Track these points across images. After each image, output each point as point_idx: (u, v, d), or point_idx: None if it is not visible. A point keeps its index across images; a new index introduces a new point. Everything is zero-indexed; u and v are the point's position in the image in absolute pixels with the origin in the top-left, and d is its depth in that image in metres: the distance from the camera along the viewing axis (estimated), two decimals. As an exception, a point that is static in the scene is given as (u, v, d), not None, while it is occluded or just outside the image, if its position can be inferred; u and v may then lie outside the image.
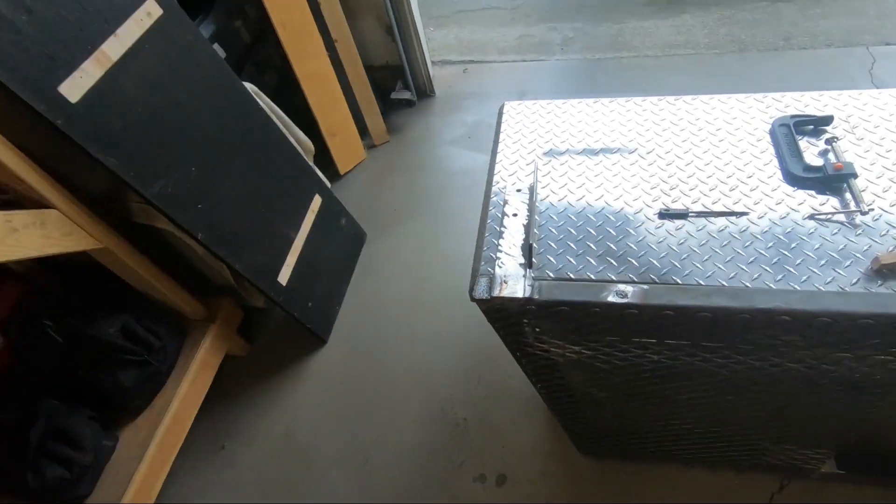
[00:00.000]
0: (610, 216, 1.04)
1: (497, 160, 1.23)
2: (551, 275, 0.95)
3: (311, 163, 2.04)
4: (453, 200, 2.27)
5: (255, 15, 2.10)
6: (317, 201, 1.82)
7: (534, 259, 0.90)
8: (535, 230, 0.96)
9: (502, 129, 1.31)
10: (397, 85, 2.87)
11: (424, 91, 3.01)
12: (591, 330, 0.88)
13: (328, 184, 2.05)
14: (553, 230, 1.03)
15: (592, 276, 0.94)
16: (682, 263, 0.92)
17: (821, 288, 0.83)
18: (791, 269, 0.88)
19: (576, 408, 1.16)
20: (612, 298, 0.83)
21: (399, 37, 2.68)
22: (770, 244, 0.92)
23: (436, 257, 2.02)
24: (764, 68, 2.54)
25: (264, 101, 1.80)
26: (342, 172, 2.57)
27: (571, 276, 0.94)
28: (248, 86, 1.69)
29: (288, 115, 1.98)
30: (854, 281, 0.84)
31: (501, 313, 0.87)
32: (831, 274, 0.86)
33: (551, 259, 0.97)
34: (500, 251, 0.97)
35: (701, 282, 0.89)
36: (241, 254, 1.48)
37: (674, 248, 0.95)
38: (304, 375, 1.79)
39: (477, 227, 2.28)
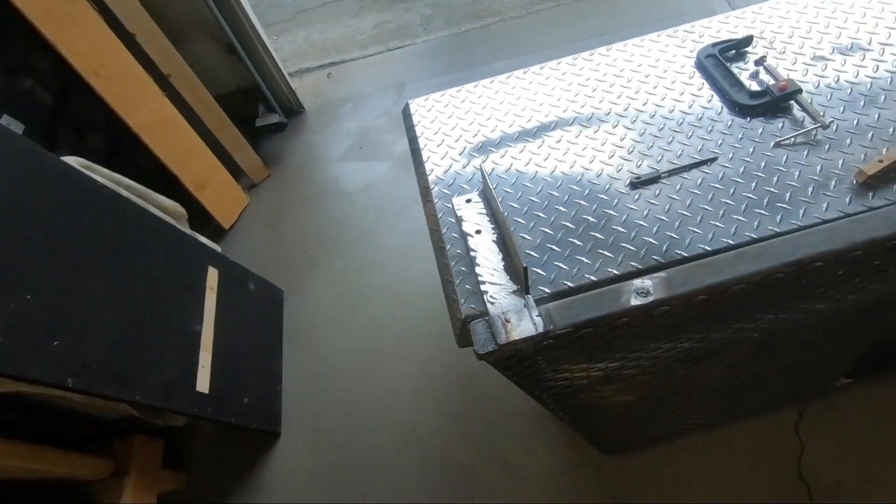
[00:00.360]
0: (581, 202, 0.93)
1: (426, 170, 1.06)
2: (547, 291, 0.81)
3: (187, 230, 1.70)
4: (366, 223, 2.06)
5: (50, 67, 1.68)
6: (212, 275, 1.51)
7: (529, 282, 0.75)
8: (517, 244, 0.82)
9: (418, 133, 1.14)
10: (259, 110, 2.55)
11: (292, 109, 2.72)
12: (618, 342, 0.76)
13: (217, 248, 1.72)
14: (526, 236, 0.90)
15: (592, 277, 0.82)
16: (678, 233, 0.85)
17: (823, 217, 0.80)
18: (785, 206, 0.84)
19: (601, 420, 1.06)
20: (635, 301, 0.72)
21: (245, 54, 2.36)
22: (753, 185, 0.88)
23: (370, 294, 1.82)
24: (628, 2, 2.64)
25: (100, 174, 1.44)
26: (227, 226, 2.22)
27: (569, 284, 0.82)
28: (72, 160, 1.33)
29: (138, 182, 1.62)
30: (848, 200, 0.82)
31: (514, 359, 0.72)
32: (824, 199, 0.83)
33: (538, 271, 0.84)
34: (482, 281, 0.81)
35: (707, 247, 0.82)
36: (138, 380, 1.16)
37: (662, 217, 0.87)
38: (266, 482, 1.50)
39: (404, 243, 2.06)
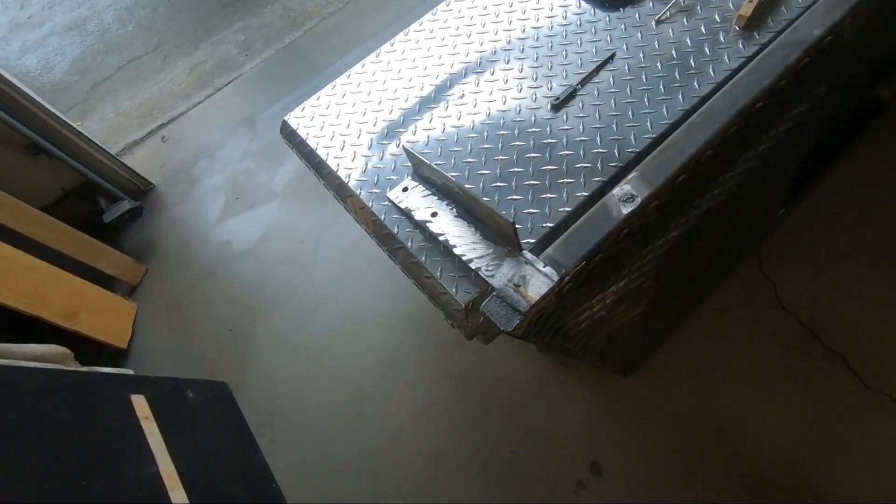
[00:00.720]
0: (516, 143, 0.89)
1: (343, 178, 0.95)
2: (532, 241, 0.77)
3: (81, 368, 1.41)
4: (282, 272, 1.88)
5: None
6: (139, 403, 1.27)
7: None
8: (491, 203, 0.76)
9: (313, 145, 1.03)
10: (102, 204, 2.19)
11: (138, 189, 2.38)
12: (624, 255, 0.73)
13: (128, 372, 1.45)
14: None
15: (567, 209, 0.79)
16: (620, 133, 0.84)
17: (731, 68, 0.84)
18: (695, 71, 0.87)
19: (621, 344, 1.05)
20: (626, 209, 0.70)
21: (57, 148, 1.99)
22: (658, 64, 0.90)
23: (323, 339, 1.66)
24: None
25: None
26: (124, 345, 1.89)
27: (549, 224, 0.78)
28: None
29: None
30: (742, 45, 0.86)
31: (542, 320, 0.66)
32: (722, 52, 0.88)
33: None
34: (468, 260, 0.74)
35: (652, 135, 0.82)
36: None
37: (598, 125, 0.86)
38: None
39: (333, 274, 1.92)
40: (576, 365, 1.34)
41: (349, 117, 1.05)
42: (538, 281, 0.66)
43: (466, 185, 0.77)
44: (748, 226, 1.20)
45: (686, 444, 1.17)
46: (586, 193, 0.80)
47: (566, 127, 0.89)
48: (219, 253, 2.03)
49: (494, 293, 0.67)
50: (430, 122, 0.98)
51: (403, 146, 0.84)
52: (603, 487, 1.15)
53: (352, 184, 0.94)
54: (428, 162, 0.79)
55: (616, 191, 0.72)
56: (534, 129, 0.90)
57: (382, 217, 0.88)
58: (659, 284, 0.92)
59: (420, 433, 1.37)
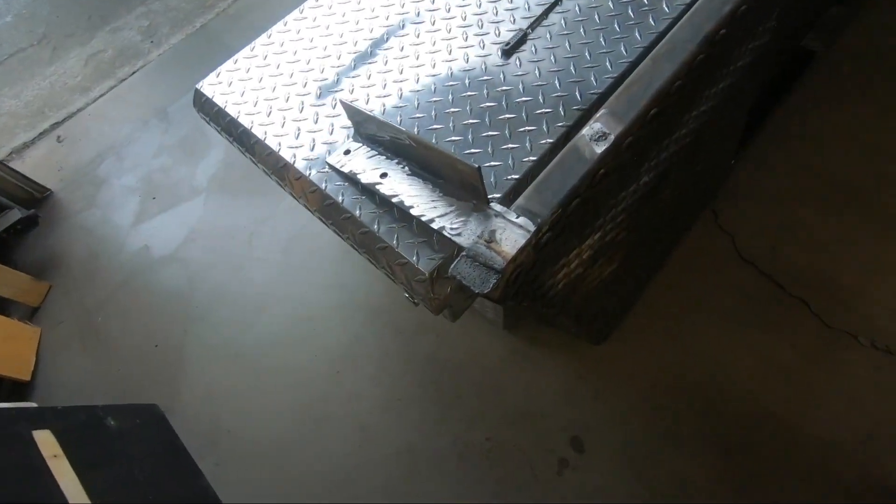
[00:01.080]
0: (468, 94, 0.81)
1: (273, 147, 0.84)
2: (498, 195, 0.70)
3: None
4: (213, 274, 1.70)
5: None
6: (44, 440, 1.08)
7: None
8: (451, 150, 0.67)
9: (234, 114, 0.90)
10: (-14, 217, 1.90)
11: (32, 196, 2.09)
12: (601, 201, 0.68)
13: (30, 405, 1.24)
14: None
15: (532, 158, 0.73)
16: (579, 75, 0.79)
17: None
18: (647, 5, 0.83)
19: (596, 304, 1.01)
20: (599, 148, 0.64)
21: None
22: (612, 6, 0.85)
23: (264, 345, 1.51)
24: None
25: None
26: (27, 377, 1.64)
27: (515, 176, 0.71)
28: None
29: None
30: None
31: (521, 277, 0.59)
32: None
33: (476, 181, 0.71)
34: (428, 220, 0.66)
35: (613, 75, 0.78)
36: None
37: (554, 69, 0.81)
38: None
39: (271, 270, 1.78)
40: (545, 339, 1.29)
41: (274, 80, 0.93)
42: (513, 233, 0.59)
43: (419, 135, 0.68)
44: (708, 172, 1.19)
45: (663, 405, 1.16)
46: (551, 140, 0.74)
47: (520, 73, 0.82)
48: (136, 260, 1.82)
49: (464, 253, 0.59)
50: (369, 78, 0.88)
51: (341, 102, 0.74)
52: (586, 464, 1.11)
53: (284, 153, 0.83)
54: (372, 114, 0.70)
55: (585, 131, 0.66)
56: (485, 78, 0.83)
57: (323, 186, 0.78)
58: (632, 237, 0.88)
59: (389, 430, 1.27)
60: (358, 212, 0.74)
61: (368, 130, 0.75)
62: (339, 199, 0.76)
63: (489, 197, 0.64)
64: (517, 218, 0.60)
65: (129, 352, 1.63)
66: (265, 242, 1.72)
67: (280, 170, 0.83)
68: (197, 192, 1.93)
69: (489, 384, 1.26)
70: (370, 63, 0.90)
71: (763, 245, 1.29)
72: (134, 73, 2.49)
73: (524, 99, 0.79)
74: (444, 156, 0.61)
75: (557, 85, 0.79)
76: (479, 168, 0.57)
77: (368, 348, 1.41)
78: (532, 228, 0.59)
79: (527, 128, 0.76)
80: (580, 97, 0.77)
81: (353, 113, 0.74)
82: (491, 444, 1.18)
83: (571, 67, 0.80)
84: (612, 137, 0.64)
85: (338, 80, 0.90)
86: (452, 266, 0.59)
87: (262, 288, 1.64)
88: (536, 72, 0.81)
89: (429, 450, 1.22)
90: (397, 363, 1.37)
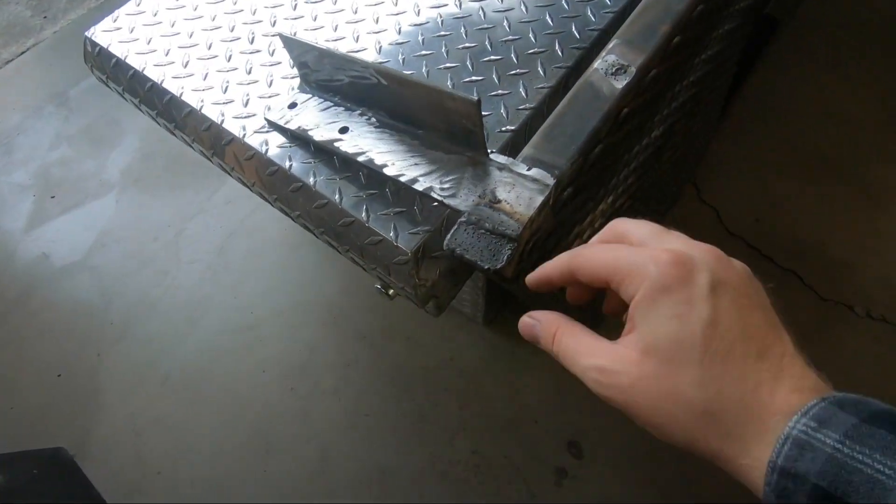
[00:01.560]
0: (441, 34, 0.68)
1: (193, 106, 0.66)
2: (493, 150, 0.56)
3: None
4: (133, 283, 1.46)
5: None
6: None
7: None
8: (441, 83, 0.53)
9: (138, 66, 0.71)
10: None
11: None
12: (621, 149, 0.56)
13: None
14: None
15: (529, 105, 0.61)
16: (575, 9, 0.68)
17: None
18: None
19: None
20: (619, 83, 0.52)
21: None
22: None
23: (210, 372, 1.29)
24: None
25: None
26: None
27: (510, 127, 0.59)
28: None
29: None
30: None
31: (538, 246, 0.46)
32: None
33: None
34: (410, 181, 0.52)
35: (615, 10, 0.66)
36: None
37: (544, 3, 0.68)
38: None
39: (204, 273, 1.65)
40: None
41: (192, 24, 0.75)
42: (525, 190, 0.46)
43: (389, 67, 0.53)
44: (699, 136, 1.12)
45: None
46: (550, 84, 0.61)
47: (502, 8, 0.69)
48: (32, 272, 1.54)
49: (463, 219, 0.45)
50: (315, 20, 0.72)
51: (282, 36, 0.58)
52: (586, 471, 1.00)
53: (207, 110, 0.66)
54: (325, 48, 0.54)
55: (599, 64, 0.54)
56: (460, 15, 0.69)
57: (264, 150, 0.61)
58: (636, 205, 0.77)
59: (355, 452, 1.10)
60: (311, 179, 0.58)
61: (320, 75, 0.60)
62: (286, 164, 0.60)
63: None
64: (529, 170, 0.47)
65: (25, 385, 1.36)
66: (196, 242, 1.50)
67: (203, 134, 0.66)
68: (107, 188, 1.67)
69: (471, 389, 1.12)
70: (315, 2, 0.74)
71: (748, 217, 1.24)
72: (23, 52, 2.16)
73: (512, 37, 0.66)
74: (427, 90, 0.47)
75: (549, 21, 0.67)
76: (479, 101, 0.43)
77: (326, 357, 1.24)
78: (551, 182, 0.46)
79: (519, 71, 0.63)
80: (578, 34, 0.65)
81: (298, 50, 0.58)
82: (478, 459, 1.04)
83: (563, 2, 0.68)
84: (632, 70, 0.53)
85: (274, 22, 0.73)
86: (449, 237, 0.45)
87: (193, 295, 1.42)
88: (522, 7, 0.69)
89: (404, 471, 1.07)
90: (361, 373, 1.20)
